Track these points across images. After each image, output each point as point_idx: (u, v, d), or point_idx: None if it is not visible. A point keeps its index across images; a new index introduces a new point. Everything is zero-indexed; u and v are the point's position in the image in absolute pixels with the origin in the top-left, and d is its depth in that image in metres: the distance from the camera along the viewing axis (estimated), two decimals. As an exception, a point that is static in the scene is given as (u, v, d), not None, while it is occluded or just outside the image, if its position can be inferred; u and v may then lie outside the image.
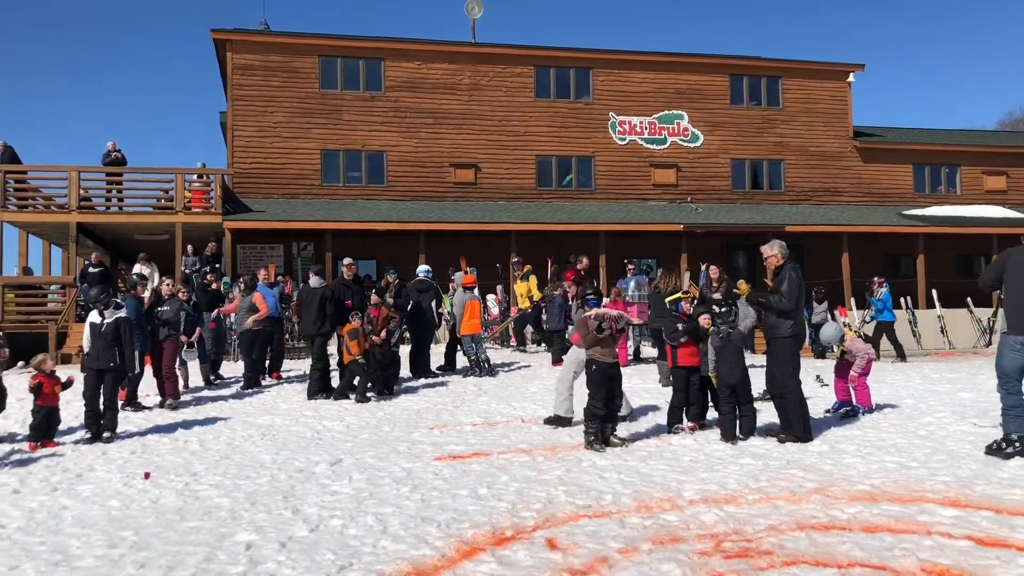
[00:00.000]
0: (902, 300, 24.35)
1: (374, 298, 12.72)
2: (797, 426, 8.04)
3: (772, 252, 8.37)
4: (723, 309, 8.63)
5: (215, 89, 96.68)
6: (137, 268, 18.69)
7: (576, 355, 8.95)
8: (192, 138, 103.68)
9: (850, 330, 9.84)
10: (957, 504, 5.59)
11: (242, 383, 13.08)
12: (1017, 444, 6.89)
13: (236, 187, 24.10)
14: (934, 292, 24.66)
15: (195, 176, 22.80)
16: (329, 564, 4.81)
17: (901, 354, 17.59)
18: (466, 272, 16.13)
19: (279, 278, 18.02)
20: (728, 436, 8.04)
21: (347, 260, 13.34)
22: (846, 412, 9.37)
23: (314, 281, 12.62)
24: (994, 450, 7.01)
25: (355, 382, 11.80)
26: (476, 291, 14.71)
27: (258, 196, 24.25)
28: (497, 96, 26.33)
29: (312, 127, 25.11)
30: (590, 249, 21.25)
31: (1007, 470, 6.50)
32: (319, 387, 12.04)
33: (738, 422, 8.26)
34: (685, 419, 8.81)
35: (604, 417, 8.12)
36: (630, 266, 17.48)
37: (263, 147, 24.75)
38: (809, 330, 16.02)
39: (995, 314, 24.19)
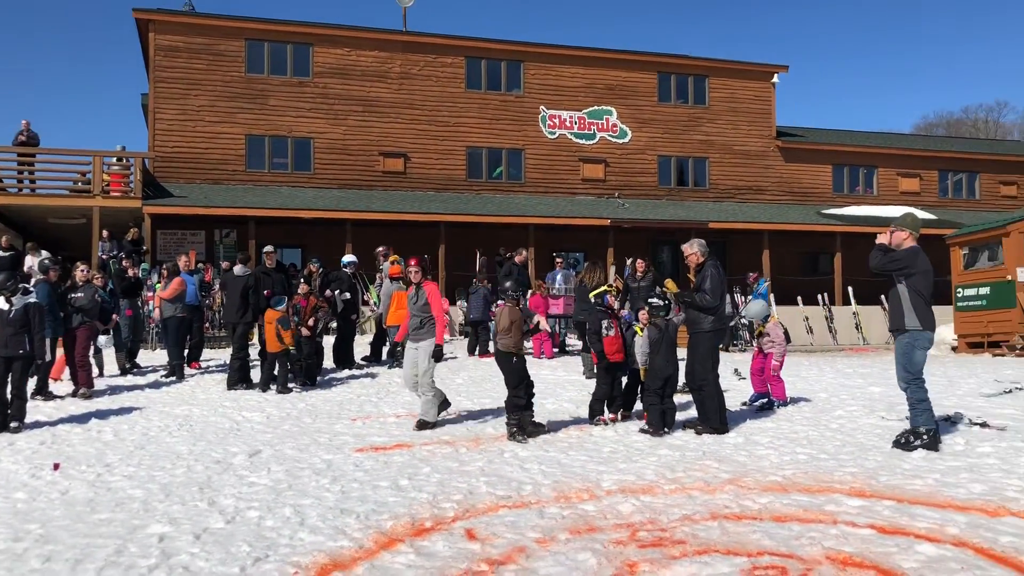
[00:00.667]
0: (819, 297, 25.10)
1: (303, 287, 12.54)
2: (714, 418, 8.23)
3: (692, 250, 8.55)
4: (663, 303, 8.79)
5: (137, 69, 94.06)
6: (28, 260, 17.86)
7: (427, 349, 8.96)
8: (113, 120, 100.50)
9: (774, 317, 10.09)
10: (862, 494, 5.79)
11: (167, 371, 12.78)
12: (925, 437, 7.13)
13: (157, 171, 23.50)
14: (850, 289, 25.46)
15: (114, 159, 22.15)
16: (244, 556, 4.74)
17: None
18: (393, 263, 15.99)
19: (200, 265, 17.63)
20: (656, 428, 8.16)
21: (268, 248, 13.11)
22: (762, 405, 9.62)
23: (238, 269, 12.40)
24: (902, 443, 7.18)
25: (275, 372, 11.63)
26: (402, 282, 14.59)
27: (180, 181, 23.69)
28: (428, 86, 26.20)
29: (237, 112, 24.61)
30: (519, 242, 21.30)
31: (910, 461, 6.76)
32: (239, 377, 11.84)
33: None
34: (607, 411, 8.94)
35: (524, 407, 8.23)
36: (559, 260, 17.61)
37: (186, 131, 24.16)
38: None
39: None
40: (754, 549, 4.65)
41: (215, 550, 4.87)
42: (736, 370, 12.31)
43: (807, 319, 24.38)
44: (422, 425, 8.78)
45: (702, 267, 8.46)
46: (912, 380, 7.18)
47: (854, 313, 24.92)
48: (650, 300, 8.83)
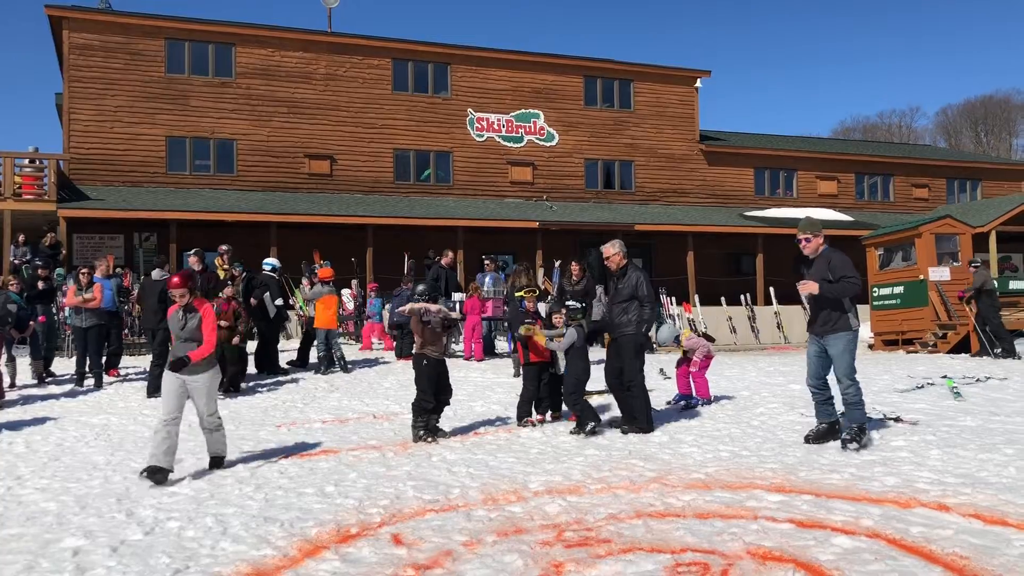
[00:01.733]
0: (742, 297, 25.65)
1: (227, 291, 12.25)
2: (641, 418, 8.34)
3: (615, 251, 8.60)
4: (581, 306, 8.88)
5: (51, 68, 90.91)
6: None
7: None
8: (25, 121, 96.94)
9: (688, 329, 10.27)
10: (782, 490, 5.94)
11: (92, 380, 12.35)
12: (868, 433, 7.44)
13: (73, 174, 22.76)
14: (771, 289, 26.07)
15: (26, 160, 21.36)
16: (164, 568, 4.63)
17: None
18: (321, 265, 15.81)
19: (118, 270, 17.13)
20: (583, 426, 8.20)
21: (192, 253, 12.80)
22: (686, 405, 9.78)
23: (156, 274, 12.08)
24: (853, 440, 7.15)
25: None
26: (332, 285, 14.43)
27: (97, 184, 23.00)
28: (354, 87, 25.97)
29: (157, 112, 24.00)
30: (448, 244, 21.28)
31: (827, 456, 6.96)
32: (159, 384, 11.50)
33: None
34: (535, 412, 8.99)
35: (432, 410, 8.31)
36: (488, 262, 17.63)
37: (103, 132, 23.47)
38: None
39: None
40: (677, 546, 4.73)
41: (133, 563, 4.73)
42: (661, 370, 12.50)
43: (730, 319, 24.90)
44: (218, 463, 7.26)
45: (625, 269, 8.55)
46: (855, 378, 7.35)
47: (776, 312, 25.54)
48: (567, 304, 8.93)
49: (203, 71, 24.67)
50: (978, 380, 11.85)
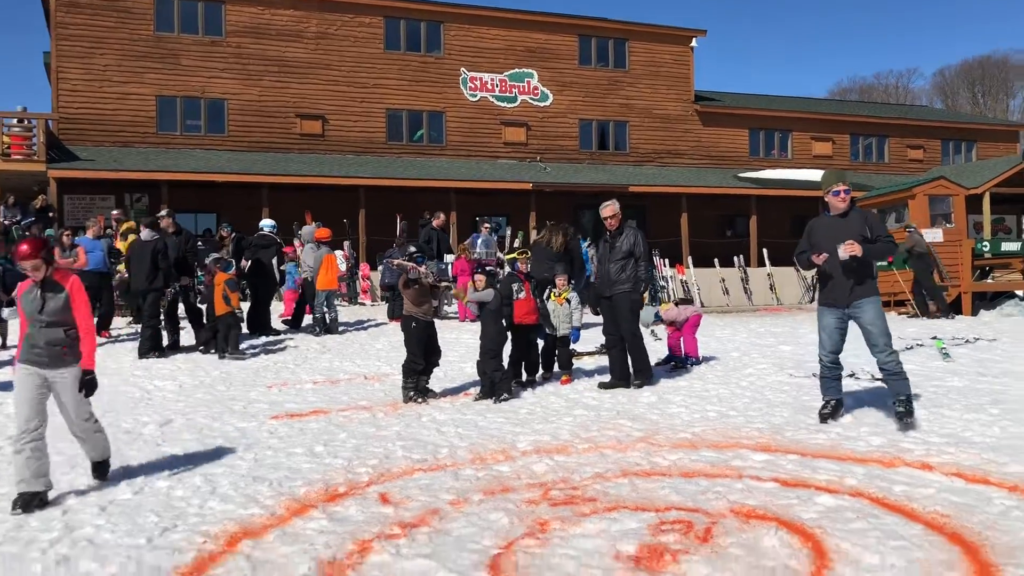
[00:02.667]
0: (735, 259, 25.64)
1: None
2: (646, 370, 8.61)
3: (616, 211, 8.66)
4: (498, 271, 8.96)
5: (39, 26, 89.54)
6: None
7: None
8: (12, 80, 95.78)
9: (664, 303, 10.28)
10: (768, 449, 5.99)
11: None
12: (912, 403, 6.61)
13: (63, 134, 22.53)
14: (765, 251, 26.05)
15: (15, 120, 21.14)
16: (152, 527, 4.66)
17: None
18: (316, 226, 15.77)
19: (108, 231, 17.04)
20: (497, 394, 8.17)
21: (164, 212, 12.68)
22: (675, 365, 9.82)
23: (145, 234, 12.02)
24: (908, 413, 6.45)
25: (228, 335, 11.47)
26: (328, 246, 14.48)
27: (87, 144, 22.77)
28: (345, 46, 25.66)
29: (146, 72, 23.70)
30: (441, 206, 21.17)
31: (813, 416, 7.00)
32: (151, 345, 11.54)
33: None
34: (524, 373, 9.04)
35: (422, 371, 8.38)
36: (485, 225, 17.55)
37: (92, 91, 23.19)
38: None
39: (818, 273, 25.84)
40: (662, 504, 4.77)
41: (121, 521, 4.77)
42: (652, 331, 12.52)
43: (723, 280, 24.90)
44: (102, 470, 5.76)
45: (621, 228, 8.61)
46: (892, 344, 6.56)
47: (768, 274, 25.53)
48: (487, 269, 9.01)
49: (193, 29, 24.33)
50: (967, 341, 11.91)
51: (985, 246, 20.46)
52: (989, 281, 20.66)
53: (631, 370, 8.63)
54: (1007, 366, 9.65)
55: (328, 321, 13.70)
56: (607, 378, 8.78)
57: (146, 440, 6.87)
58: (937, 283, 19.08)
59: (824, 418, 6.82)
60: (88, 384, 5.45)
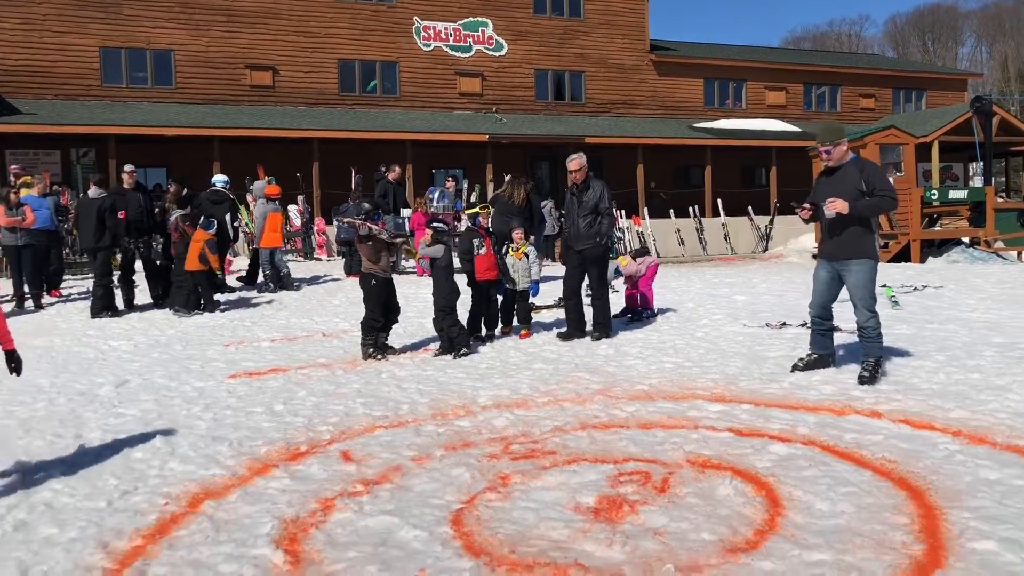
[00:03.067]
0: (690, 209, 25.84)
1: (174, 218, 11.85)
2: (608, 323, 8.80)
3: (583, 164, 8.66)
4: (446, 228, 8.95)
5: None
6: None
7: None
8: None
9: (622, 257, 10.35)
10: (723, 399, 6.11)
11: (31, 301, 12.11)
12: (882, 366, 6.60)
13: (2, 86, 21.80)
14: (719, 201, 26.29)
15: (-50, 72, 20.39)
16: (112, 489, 4.64)
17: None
18: (268, 181, 15.54)
19: (55, 187, 16.62)
20: (455, 350, 8.22)
21: (127, 167, 12.43)
22: (631, 317, 9.93)
23: (92, 192, 11.75)
24: (870, 378, 6.38)
25: (197, 292, 11.52)
26: (278, 202, 14.24)
27: (28, 96, 22.07)
28: (295, -5, 25.05)
29: (89, 22, 22.95)
30: (396, 158, 20.94)
31: (767, 366, 7.15)
32: (103, 304, 11.35)
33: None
34: (484, 328, 9.08)
35: (381, 328, 8.38)
36: (450, 180, 17.39)
37: (31, 42, 22.41)
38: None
39: (771, 222, 26.20)
40: (620, 456, 4.86)
41: (80, 485, 4.74)
42: (611, 285, 12.62)
43: (679, 231, 25.12)
44: None
45: (587, 181, 8.61)
46: (875, 309, 6.54)
47: (723, 224, 25.81)
48: (434, 225, 8.76)
49: (135, -23, 23.54)
50: (915, 289, 12.19)
51: (934, 194, 20.89)
52: (937, 229, 21.13)
53: (591, 323, 8.76)
54: (953, 312, 9.92)
55: (281, 276, 13.60)
56: (565, 329, 8.89)
57: (102, 402, 6.79)
58: (888, 230, 19.42)
59: (793, 368, 6.84)
60: (15, 364, 5.13)
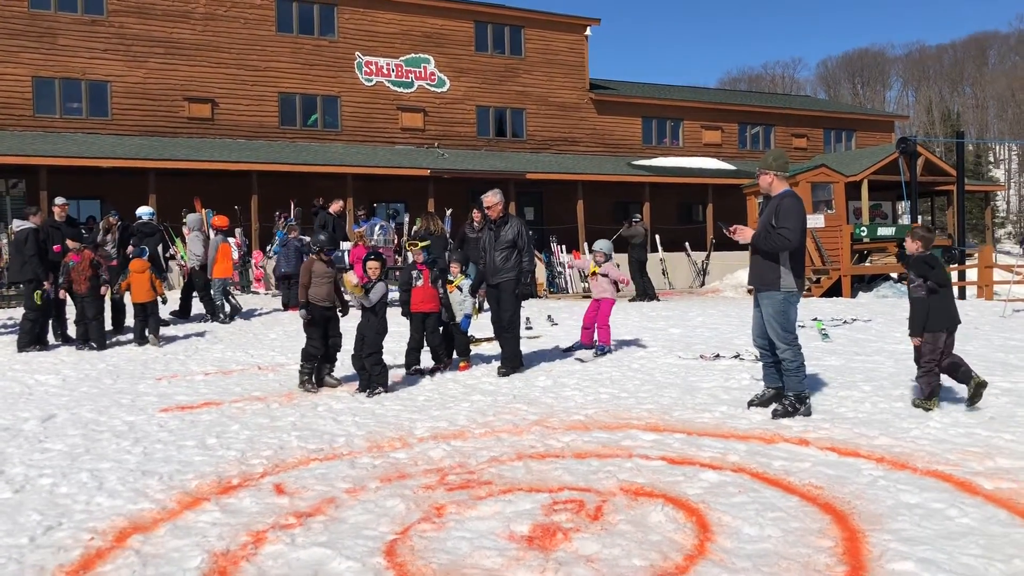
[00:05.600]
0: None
1: (72, 243, 11.39)
2: (517, 358, 8.79)
3: (497, 200, 8.77)
4: (383, 259, 9.02)
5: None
6: None
7: None
8: None
9: (594, 264, 10.36)
10: (656, 429, 6.20)
11: None
12: (808, 402, 6.55)
13: (-72, 115, 21.22)
14: (657, 237, 26.69)
15: None
16: (35, 525, 4.51)
17: None
18: (210, 214, 15.47)
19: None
20: (371, 388, 8.05)
21: (59, 200, 12.20)
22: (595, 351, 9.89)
23: (15, 224, 11.50)
24: (785, 412, 6.40)
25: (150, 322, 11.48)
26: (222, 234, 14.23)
27: (-44, 126, 21.51)
28: (235, 28, 24.97)
29: (21, 51, 22.52)
30: (337, 192, 20.90)
31: (700, 396, 7.28)
32: (31, 339, 11.04)
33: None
34: (424, 360, 9.08)
35: (322, 357, 8.33)
36: (362, 211, 17.43)
37: (-40, 70, 21.88)
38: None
39: (708, 258, 26.71)
40: (555, 485, 4.90)
41: (1, 521, 4.59)
42: (549, 316, 12.74)
43: (618, 266, 25.37)
44: None
45: (505, 217, 8.72)
46: (792, 342, 6.44)
47: (661, 259, 26.19)
48: (371, 255, 8.82)
49: (71, 7, 23.19)
50: (845, 322, 12.53)
51: (863, 231, 21.54)
52: (867, 264, 21.77)
53: (510, 356, 8.76)
54: (880, 345, 10.22)
55: (231, 308, 13.69)
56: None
57: (27, 437, 6.59)
58: (820, 266, 19.95)
59: (750, 404, 6.77)
60: None
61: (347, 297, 8.69)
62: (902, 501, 4.41)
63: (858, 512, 4.28)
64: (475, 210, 13.59)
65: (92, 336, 11.16)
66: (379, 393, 7.93)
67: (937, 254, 7.39)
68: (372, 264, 8.31)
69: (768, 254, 6.38)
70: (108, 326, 12.14)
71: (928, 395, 6.62)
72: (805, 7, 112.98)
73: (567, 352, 10.03)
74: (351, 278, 8.32)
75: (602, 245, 10.35)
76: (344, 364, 9.44)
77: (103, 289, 11.29)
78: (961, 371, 6.58)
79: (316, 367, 8.31)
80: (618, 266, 10.54)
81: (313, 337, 8.25)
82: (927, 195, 31.04)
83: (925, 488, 4.61)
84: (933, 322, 6.62)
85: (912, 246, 6.83)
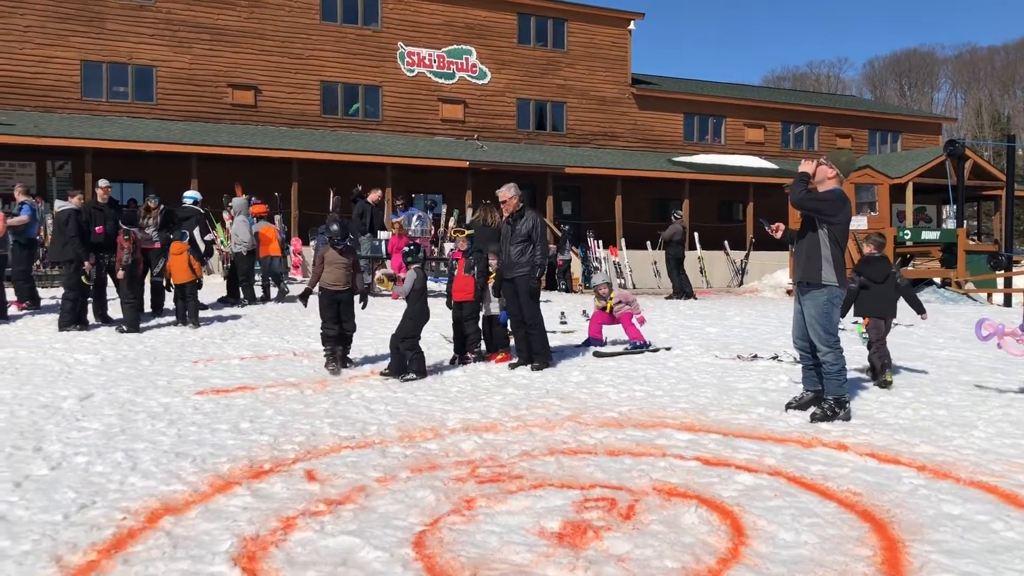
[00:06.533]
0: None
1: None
2: (545, 352, 8.70)
3: (511, 195, 8.71)
4: (413, 247, 9.08)
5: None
6: None
7: None
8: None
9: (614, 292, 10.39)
10: (692, 429, 6.11)
11: None
12: (848, 407, 6.43)
13: (-21, 96, 21.62)
14: (696, 235, 26.44)
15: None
16: (69, 503, 4.54)
17: None
18: (249, 199, 15.66)
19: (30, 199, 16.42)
20: (403, 373, 8.22)
21: (102, 182, 12.35)
22: (588, 343, 9.98)
23: (58, 204, 11.68)
24: (824, 416, 6.29)
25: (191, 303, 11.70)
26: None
27: (7, 107, 21.92)
28: (280, 15, 25.13)
29: (71, 35, 22.86)
30: (376, 181, 20.95)
31: (736, 397, 7.17)
32: (72, 317, 11.20)
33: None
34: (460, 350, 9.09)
35: (336, 339, 8.67)
36: (400, 202, 17.54)
37: (12, 52, 22.28)
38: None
39: (747, 257, 26.42)
40: (587, 482, 4.84)
41: (36, 498, 4.64)
42: (562, 313, 12.69)
43: (655, 263, 25.21)
44: None
45: (521, 211, 8.64)
46: (835, 344, 6.32)
47: (699, 257, 25.95)
48: (404, 248, 9.06)
49: (120, -8, 23.52)
50: (886, 326, 12.27)
51: (907, 234, 21.14)
52: (910, 268, 21.37)
53: (537, 351, 8.69)
54: (922, 351, 10.01)
55: (279, 291, 14.55)
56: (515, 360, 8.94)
57: (65, 415, 6.67)
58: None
59: (787, 407, 6.65)
60: None
61: (378, 289, 8.97)
62: (944, 511, 4.29)
63: (898, 521, 4.16)
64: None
65: (125, 319, 11.23)
66: (412, 380, 7.99)
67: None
68: (493, 261, 8.96)
69: (812, 249, 6.30)
70: (147, 308, 12.32)
71: (881, 368, 7.76)
72: (853, 7, 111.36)
73: (597, 345, 9.94)
74: (386, 276, 8.72)
75: (601, 277, 10.70)
76: (377, 352, 9.48)
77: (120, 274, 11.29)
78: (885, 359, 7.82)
79: (333, 348, 8.65)
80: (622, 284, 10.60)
81: (326, 319, 8.62)
82: (974, 199, 30.42)
83: (968, 499, 4.48)
84: (869, 310, 8.01)
85: (867, 249, 8.19)
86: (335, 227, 8.83)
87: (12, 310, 12.30)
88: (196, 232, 13.19)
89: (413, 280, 8.33)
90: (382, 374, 8.29)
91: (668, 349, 9.85)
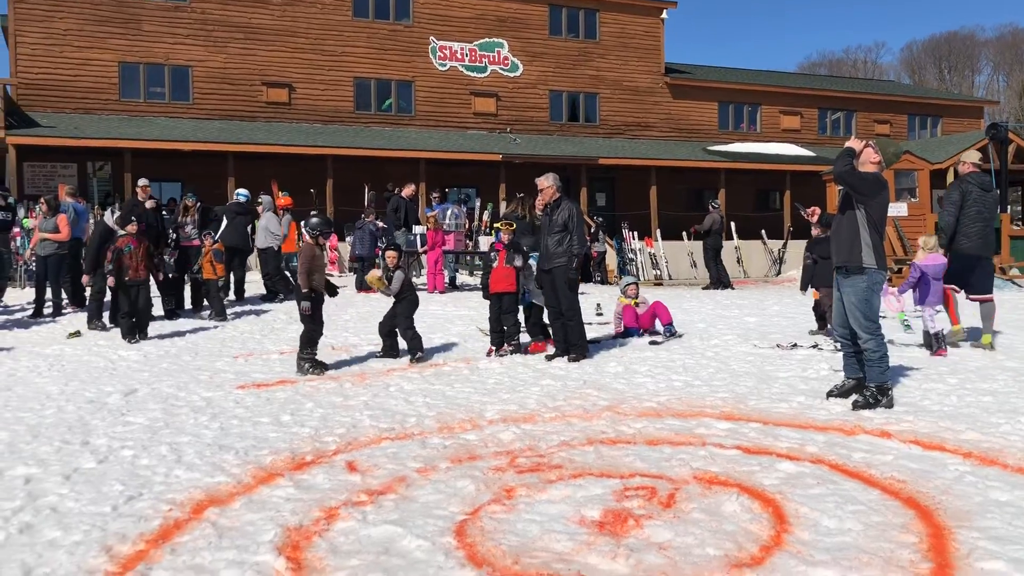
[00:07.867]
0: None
1: (131, 227, 10.60)
2: (582, 344, 8.65)
3: (549, 184, 8.68)
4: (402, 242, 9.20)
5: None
6: None
7: None
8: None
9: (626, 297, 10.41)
10: (731, 417, 6.07)
11: (51, 311, 12.19)
12: (890, 394, 6.34)
13: (22, 99, 22.07)
14: (732, 225, 26.24)
15: (-29, 85, 20.62)
16: (117, 495, 4.63)
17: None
18: (282, 195, 15.89)
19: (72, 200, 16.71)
20: (414, 353, 8.80)
21: (142, 181, 12.56)
22: (626, 333, 10.02)
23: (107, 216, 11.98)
24: (867, 403, 6.20)
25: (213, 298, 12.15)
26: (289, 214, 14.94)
27: (48, 110, 22.33)
28: (312, 13, 25.31)
29: (108, 37, 23.23)
30: (409, 176, 21.07)
31: (776, 386, 7.10)
32: (128, 328, 11.34)
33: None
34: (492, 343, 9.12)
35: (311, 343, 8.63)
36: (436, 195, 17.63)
37: (52, 56, 22.69)
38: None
39: (784, 246, 26.14)
40: (626, 471, 4.83)
41: (85, 490, 4.73)
42: (598, 305, 12.66)
43: (691, 254, 25.06)
44: None
45: (559, 201, 8.61)
46: (876, 331, 6.22)
47: (736, 247, 25.74)
48: (393, 245, 9.16)
49: (156, -6, 23.85)
50: (928, 313, 12.08)
51: (948, 220, 20.70)
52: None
53: (574, 342, 8.66)
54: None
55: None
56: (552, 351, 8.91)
57: (110, 409, 6.80)
58: (901, 255, 19.33)
59: (829, 395, 6.57)
60: None
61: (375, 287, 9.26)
62: (991, 498, 4.22)
63: (944, 508, 4.10)
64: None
65: (142, 327, 10.52)
66: (421, 358, 8.61)
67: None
68: (390, 254, 9.07)
69: (851, 233, 6.22)
70: (188, 305, 12.52)
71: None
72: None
73: (627, 338, 9.91)
74: (375, 274, 8.86)
75: (628, 279, 10.80)
76: (433, 344, 9.52)
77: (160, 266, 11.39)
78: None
79: (311, 351, 8.44)
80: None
81: (315, 322, 8.47)
82: (1018, 184, 29.81)
83: (1017, 486, 4.40)
84: (822, 281, 9.21)
85: (815, 231, 9.53)
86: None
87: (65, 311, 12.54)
88: (248, 229, 13.69)
89: (400, 280, 8.97)
90: (377, 357, 8.86)
91: (680, 336, 9.95)
